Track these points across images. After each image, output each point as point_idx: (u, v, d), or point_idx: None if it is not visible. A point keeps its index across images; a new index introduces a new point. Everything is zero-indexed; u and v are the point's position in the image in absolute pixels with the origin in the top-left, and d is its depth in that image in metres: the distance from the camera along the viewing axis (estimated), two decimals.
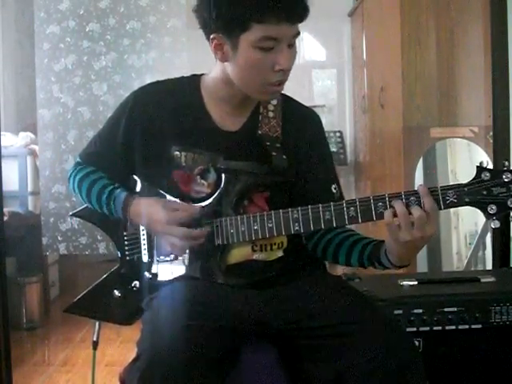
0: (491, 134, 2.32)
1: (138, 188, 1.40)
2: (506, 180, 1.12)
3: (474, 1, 3.02)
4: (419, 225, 1.14)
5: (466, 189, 1.14)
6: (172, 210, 1.29)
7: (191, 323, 1.14)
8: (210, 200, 1.32)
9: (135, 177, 1.41)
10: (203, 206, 1.32)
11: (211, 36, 1.26)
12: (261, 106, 1.38)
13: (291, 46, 1.25)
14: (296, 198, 1.37)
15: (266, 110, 1.38)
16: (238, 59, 1.24)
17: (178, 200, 1.35)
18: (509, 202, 1.12)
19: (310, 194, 1.37)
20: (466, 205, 1.15)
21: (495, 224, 1.14)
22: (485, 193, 1.13)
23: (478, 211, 1.15)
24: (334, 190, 1.42)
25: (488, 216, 1.13)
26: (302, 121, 1.42)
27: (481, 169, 1.14)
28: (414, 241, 1.15)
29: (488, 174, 1.13)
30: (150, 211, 1.31)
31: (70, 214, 1.55)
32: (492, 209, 1.13)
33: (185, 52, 2.80)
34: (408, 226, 1.14)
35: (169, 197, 1.36)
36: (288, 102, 1.43)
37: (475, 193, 1.13)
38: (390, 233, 1.17)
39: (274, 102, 1.40)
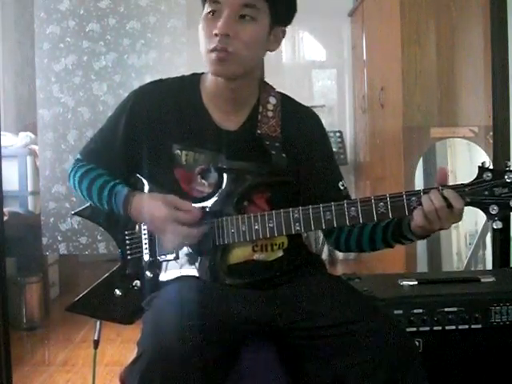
0: (491, 134, 2.31)
1: (146, 189, 1.39)
2: (508, 180, 1.12)
3: (474, 1, 3.02)
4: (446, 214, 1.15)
5: (467, 189, 1.14)
6: (174, 207, 1.28)
7: (192, 323, 1.13)
8: (210, 200, 1.32)
9: (141, 177, 1.41)
10: (204, 207, 1.32)
11: None
12: (260, 106, 1.38)
13: (243, 17, 1.25)
14: (303, 197, 1.37)
15: (265, 110, 1.38)
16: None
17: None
18: (511, 203, 1.12)
19: (319, 193, 1.37)
20: (468, 205, 1.15)
21: (497, 225, 1.14)
22: (486, 193, 1.13)
23: (478, 211, 1.15)
24: (342, 187, 1.41)
25: (490, 216, 1.13)
26: (300, 120, 1.42)
27: (483, 169, 1.14)
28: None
29: (490, 175, 1.13)
30: (151, 208, 1.30)
31: (72, 212, 1.55)
32: (494, 209, 1.13)
33: (185, 52, 2.79)
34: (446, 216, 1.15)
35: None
36: (287, 102, 1.43)
37: (477, 193, 1.14)
38: (427, 221, 1.17)
39: (274, 101, 1.40)
